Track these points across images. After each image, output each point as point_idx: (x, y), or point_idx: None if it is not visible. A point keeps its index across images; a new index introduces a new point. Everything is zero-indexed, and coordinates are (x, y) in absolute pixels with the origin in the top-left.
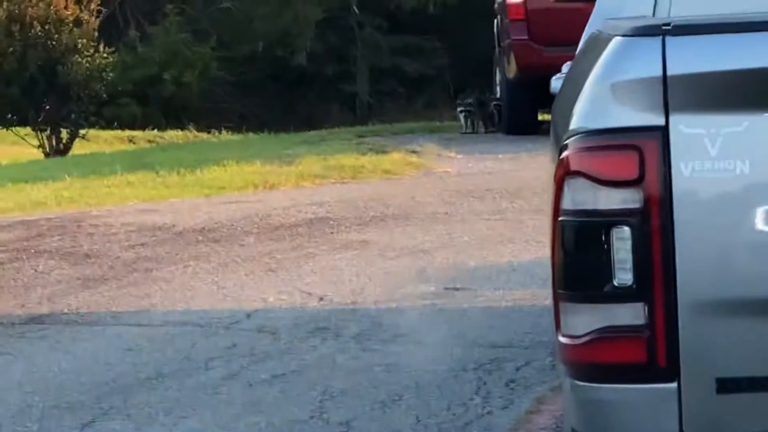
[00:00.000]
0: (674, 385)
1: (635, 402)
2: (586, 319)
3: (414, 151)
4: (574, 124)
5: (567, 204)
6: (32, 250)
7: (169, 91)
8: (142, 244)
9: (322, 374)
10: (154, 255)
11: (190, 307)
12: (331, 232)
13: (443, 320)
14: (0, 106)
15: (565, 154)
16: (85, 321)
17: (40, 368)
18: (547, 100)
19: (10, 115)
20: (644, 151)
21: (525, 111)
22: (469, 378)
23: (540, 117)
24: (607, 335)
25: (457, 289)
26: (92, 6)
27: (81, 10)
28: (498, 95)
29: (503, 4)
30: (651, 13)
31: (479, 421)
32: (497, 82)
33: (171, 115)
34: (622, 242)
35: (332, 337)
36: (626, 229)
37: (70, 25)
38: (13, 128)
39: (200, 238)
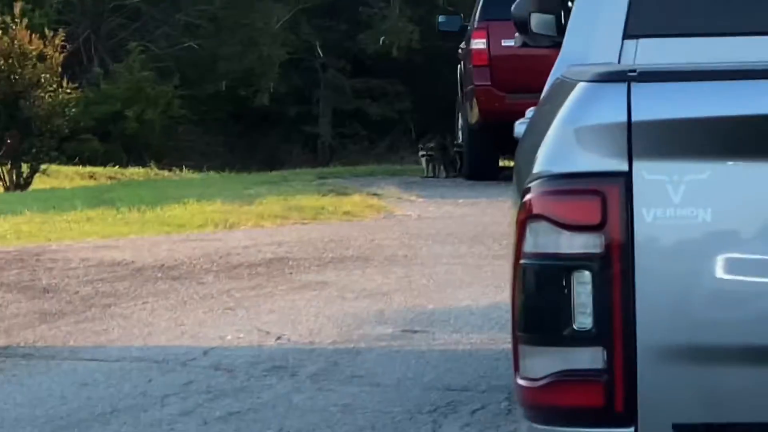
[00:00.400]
0: (631, 429)
1: None
2: (544, 362)
3: (375, 194)
4: (537, 168)
5: (529, 247)
6: None
7: (131, 128)
8: (101, 280)
9: (277, 413)
10: (112, 291)
11: (148, 344)
12: (291, 272)
13: (400, 362)
14: None
15: (527, 197)
16: (42, 355)
17: None
18: (508, 146)
19: None
20: (607, 197)
21: (486, 157)
22: (425, 420)
23: (501, 163)
24: (566, 378)
25: (414, 332)
26: (56, 41)
27: (45, 45)
28: (460, 140)
29: (467, 50)
30: (616, 60)
31: None
32: (459, 127)
33: (133, 152)
34: (582, 286)
35: (289, 377)
36: (587, 273)
37: (34, 59)
38: None
39: (159, 275)
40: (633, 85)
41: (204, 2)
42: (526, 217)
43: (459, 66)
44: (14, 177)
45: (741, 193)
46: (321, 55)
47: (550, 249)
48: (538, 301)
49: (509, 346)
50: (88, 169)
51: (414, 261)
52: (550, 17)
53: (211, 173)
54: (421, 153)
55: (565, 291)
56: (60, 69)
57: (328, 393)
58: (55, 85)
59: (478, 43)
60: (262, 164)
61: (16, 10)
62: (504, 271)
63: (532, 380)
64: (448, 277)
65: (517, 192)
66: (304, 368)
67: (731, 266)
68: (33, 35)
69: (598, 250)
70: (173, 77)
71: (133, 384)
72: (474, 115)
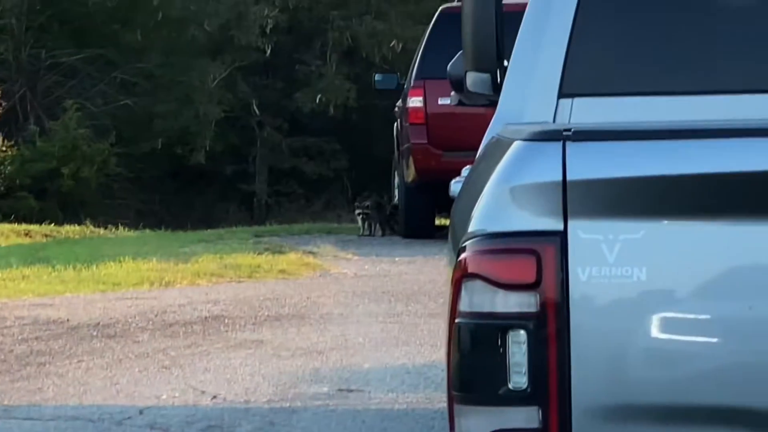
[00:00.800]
0: None
1: None
2: (480, 422)
3: (311, 252)
4: (472, 227)
5: (464, 306)
6: None
7: (67, 185)
8: (36, 338)
9: None
10: (47, 349)
11: (83, 402)
12: (226, 331)
13: (336, 422)
14: None
15: (463, 256)
16: None
17: None
18: (444, 204)
19: None
20: (542, 256)
21: (422, 215)
22: None
23: (437, 222)
24: None
25: (350, 391)
26: None
27: None
28: (396, 199)
29: (403, 108)
30: (552, 119)
31: None
32: (396, 185)
33: (68, 210)
34: (517, 346)
35: None
36: (522, 332)
37: None
38: None
39: (95, 333)
40: (568, 144)
41: (140, 60)
42: (461, 276)
43: (395, 124)
44: None
45: (676, 252)
46: (257, 113)
47: (486, 308)
48: (474, 360)
49: (445, 405)
50: (24, 226)
51: (350, 319)
52: (485, 76)
53: (147, 231)
54: (357, 211)
55: (501, 350)
56: None
57: None
58: None
59: (415, 101)
60: (199, 222)
61: None
62: (440, 329)
63: None
64: (384, 335)
65: (452, 250)
66: (240, 428)
67: (666, 325)
68: None
69: (533, 309)
70: (109, 135)
71: None
72: (410, 174)
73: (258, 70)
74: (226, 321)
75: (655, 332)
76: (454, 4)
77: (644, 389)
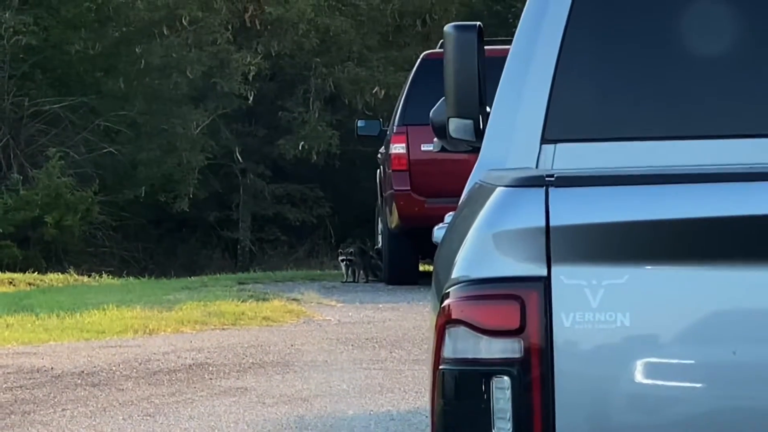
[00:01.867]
0: None
1: None
2: None
3: (295, 299)
4: (456, 273)
5: (447, 352)
6: None
7: (50, 234)
8: (20, 387)
9: None
10: (31, 398)
11: None
12: (210, 378)
13: None
14: None
15: (446, 302)
16: None
17: None
18: (428, 250)
19: None
20: (526, 302)
21: (406, 261)
22: None
23: (421, 268)
24: None
25: None
26: None
27: None
28: (380, 245)
29: (386, 154)
30: (534, 165)
31: None
32: (379, 231)
33: (52, 258)
34: (501, 392)
35: None
36: (506, 378)
37: None
38: None
39: (79, 381)
40: (551, 189)
41: (123, 108)
42: (444, 322)
43: (378, 170)
44: None
45: (659, 297)
46: (240, 160)
47: (469, 354)
48: (457, 407)
49: None
50: (7, 275)
51: (334, 366)
52: (468, 122)
53: (131, 279)
54: (340, 258)
55: (485, 396)
56: None
57: None
58: None
59: (398, 148)
60: (182, 270)
61: None
62: (424, 376)
63: None
64: (368, 382)
65: (436, 297)
66: None
67: (650, 371)
68: None
69: (517, 355)
70: (93, 183)
71: None
72: (393, 220)
73: (240, 117)
74: (211, 368)
75: (639, 377)
76: (437, 50)
77: None
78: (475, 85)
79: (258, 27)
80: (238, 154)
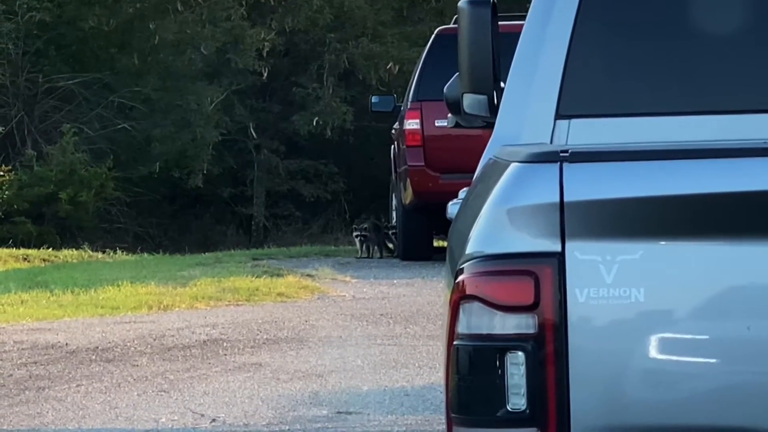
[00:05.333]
0: None
1: None
2: None
3: (309, 275)
4: (470, 249)
5: (462, 328)
6: None
7: (64, 210)
8: (35, 363)
9: None
10: (46, 373)
11: (82, 427)
12: (225, 354)
13: None
14: None
15: (460, 278)
16: None
17: None
18: (442, 226)
19: None
20: (540, 277)
21: (420, 237)
22: None
23: (435, 243)
24: None
25: (349, 414)
26: None
27: None
28: (394, 221)
29: (400, 130)
30: (548, 140)
31: None
32: (393, 207)
33: (66, 234)
34: (516, 367)
35: None
36: (520, 354)
37: None
38: None
39: (93, 357)
40: (565, 165)
41: (137, 84)
42: (459, 298)
43: (392, 146)
44: None
45: (673, 272)
46: (254, 136)
47: (483, 330)
48: (472, 382)
49: (444, 427)
50: (22, 251)
51: (348, 342)
52: (482, 98)
53: (145, 255)
54: (355, 234)
55: (499, 372)
56: None
57: None
58: None
59: (412, 124)
60: (196, 246)
61: None
62: (439, 351)
63: None
64: (382, 357)
65: (450, 273)
66: None
67: (664, 346)
68: None
69: (531, 330)
70: (107, 159)
71: None
72: (407, 196)
73: (255, 93)
74: (225, 344)
75: (653, 353)
76: (451, 25)
77: (642, 410)
78: (489, 60)
79: (272, 3)
80: (252, 130)
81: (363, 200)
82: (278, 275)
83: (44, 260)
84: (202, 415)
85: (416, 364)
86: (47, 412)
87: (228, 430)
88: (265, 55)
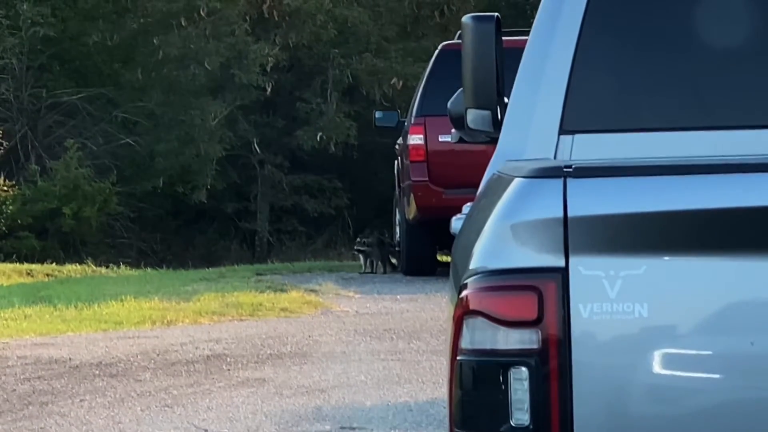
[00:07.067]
0: None
1: None
2: None
3: (312, 290)
4: (473, 264)
5: (465, 343)
6: None
7: (68, 225)
8: (38, 378)
9: None
10: (50, 388)
11: None
12: (228, 369)
13: None
14: None
15: (464, 293)
16: None
17: None
18: (446, 241)
19: None
20: (543, 292)
21: (424, 252)
22: None
23: (439, 258)
24: None
25: (353, 429)
26: None
27: None
28: (398, 236)
29: (404, 145)
30: (552, 156)
31: None
32: (397, 222)
33: (70, 249)
34: (519, 383)
35: None
36: (524, 369)
37: None
38: None
39: (97, 372)
40: (569, 180)
41: (141, 99)
42: (462, 313)
43: (396, 161)
44: None
45: (677, 287)
46: (258, 151)
47: (487, 345)
48: (475, 398)
49: None
50: (25, 266)
51: (352, 357)
52: (486, 113)
53: (149, 270)
54: (358, 248)
55: (502, 387)
56: None
57: None
58: None
59: (416, 139)
60: (200, 261)
61: None
62: (442, 366)
63: None
64: (386, 373)
65: (453, 288)
66: None
67: (668, 361)
68: None
69: (534, 346)
70: (110, 174)
71: None
72: (411, 211)
73: (258, 109)
74: (228, 359)
75: (656, 368)
76: (455, 41)
77: (646, 426)
78: (493, 75)
79: (276, 18)
80: (256, 145)
81: (367, 215)
82: (282, 290)
83: (48, 275)
84: (206, 431)
85: (420, 380)
86: (50, 427)
87: None
88: (268, 70)
